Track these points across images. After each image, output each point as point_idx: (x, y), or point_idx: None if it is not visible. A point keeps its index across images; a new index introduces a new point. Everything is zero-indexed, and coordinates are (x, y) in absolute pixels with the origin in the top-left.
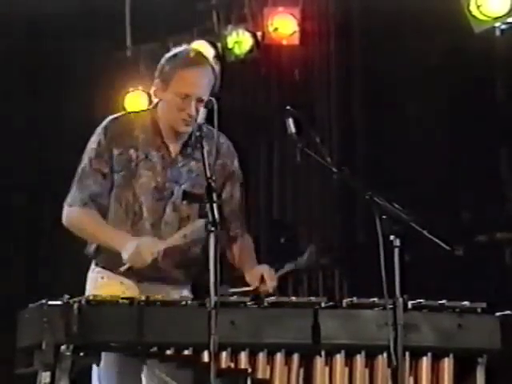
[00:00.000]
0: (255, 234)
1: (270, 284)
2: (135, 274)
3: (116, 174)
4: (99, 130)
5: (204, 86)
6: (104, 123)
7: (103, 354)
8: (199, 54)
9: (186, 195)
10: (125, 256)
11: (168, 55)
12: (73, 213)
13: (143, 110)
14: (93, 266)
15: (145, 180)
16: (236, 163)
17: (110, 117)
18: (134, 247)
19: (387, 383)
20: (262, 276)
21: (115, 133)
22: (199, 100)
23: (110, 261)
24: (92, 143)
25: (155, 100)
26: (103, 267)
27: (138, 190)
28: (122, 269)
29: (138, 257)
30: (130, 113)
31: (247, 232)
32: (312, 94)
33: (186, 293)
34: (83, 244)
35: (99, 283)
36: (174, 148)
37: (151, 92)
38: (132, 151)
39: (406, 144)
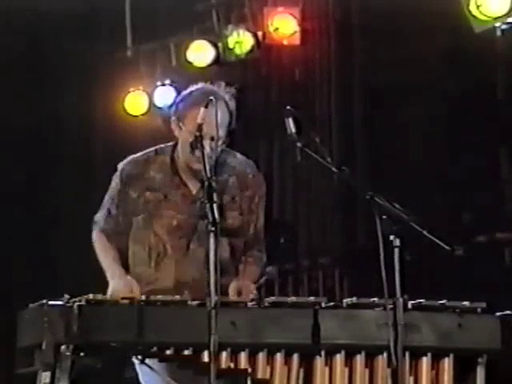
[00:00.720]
0: None
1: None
2: None
3: (135, 218)
4: (118, 172)
5: (218, 124)
6: (121, 165)
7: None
8: (212, 92)
9: None
10: (109, 289)
11: (184, 93)
12: (94, 235)
13: (166, 146)
14: None
15: (166, 220)
16: (263, 190)
17: (129, 158)
18: (114, 288)
19: (387, 383)
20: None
21: (129, 176)
22: (213, 139)
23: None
24: (112, 182)
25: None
26: None
27: (160, 230)
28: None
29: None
30: (150, 152)
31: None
32: (312, 94)
33: None
34: (83, 244)
35: None
36: (194, 185)
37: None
38: (148, 193)
39: (405, 144)
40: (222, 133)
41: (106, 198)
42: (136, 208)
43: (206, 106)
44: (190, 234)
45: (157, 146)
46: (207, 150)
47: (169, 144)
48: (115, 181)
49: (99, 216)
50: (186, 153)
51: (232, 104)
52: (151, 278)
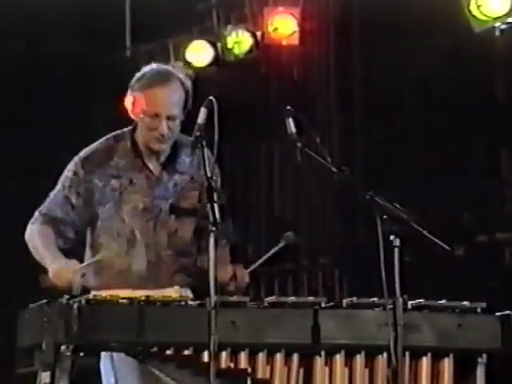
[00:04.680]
0: (255, 234)
1: (241, 283)
2: (134, 284)
3: (101, 207)
4: (77, 160)
5: (173, 103)
6: (82, 154)
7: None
8: (166, 71)
9: (173, 209)
10: (50, 275)
11: (137, 75)
12: (31, 230)
13: (123, 131)
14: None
15: (133, 205)
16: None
17: (87, 148)
18: (56, 268)
19: (387, 383)
20: (234, 274)
21: (95, 165)
22: (170, 118)
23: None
24: (68, 171)
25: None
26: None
27: (126, 216)
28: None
29: (59, 277)
30: (109, 139)
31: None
32: (312, 94)
33: (188, 292)
34: (83, 244)
35: None
36: (155, 167)
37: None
38: (114, 181)
39: (405, 144)
40: (177, 111)
41: (58, 187)
42: (103, 197)
43: (207, 106)
44: (156, 216)
45: (114, 133)
46: (165, 130)
47: (126, 129)
48: (74, 170)
49: (48, 208)
50: (144, 133)
51: (188, 83)
52: (124, 265)
